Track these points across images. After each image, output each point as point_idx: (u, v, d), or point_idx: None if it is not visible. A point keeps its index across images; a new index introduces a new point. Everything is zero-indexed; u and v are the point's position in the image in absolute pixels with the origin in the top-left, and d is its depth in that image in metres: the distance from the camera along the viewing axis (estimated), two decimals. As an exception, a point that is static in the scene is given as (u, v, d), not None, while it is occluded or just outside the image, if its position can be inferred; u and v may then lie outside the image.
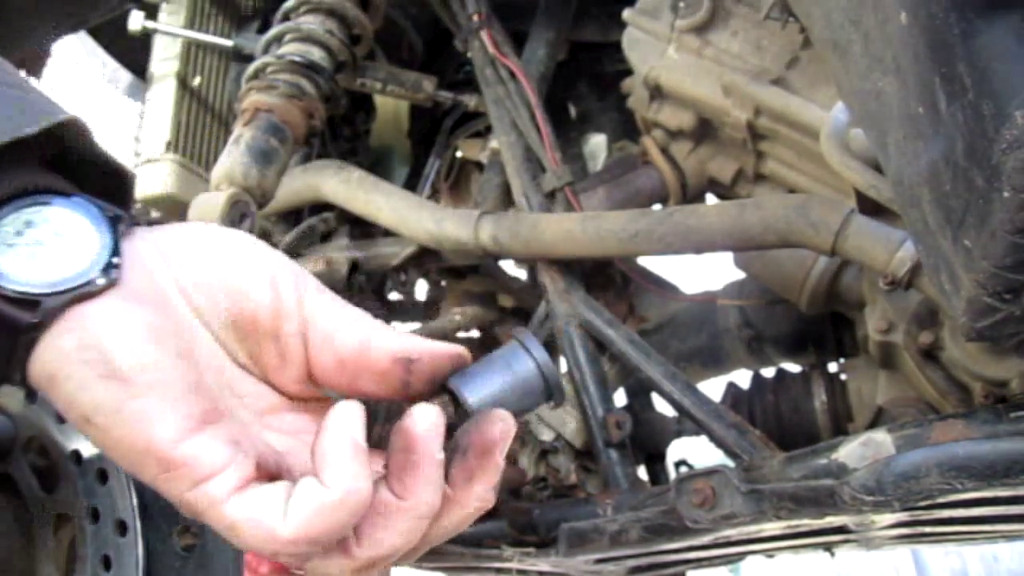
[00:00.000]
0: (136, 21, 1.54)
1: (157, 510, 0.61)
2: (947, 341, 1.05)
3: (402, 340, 0.48)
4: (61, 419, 0.64)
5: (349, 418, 0.43)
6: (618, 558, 1.17)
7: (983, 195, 0.45)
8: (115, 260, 0.43)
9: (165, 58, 1.54)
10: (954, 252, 0.52)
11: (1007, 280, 0.49)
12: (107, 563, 0.61)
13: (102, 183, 0.46)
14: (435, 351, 0.48)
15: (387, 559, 0.45)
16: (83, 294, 0.41)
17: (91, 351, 0.41)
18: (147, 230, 0.47)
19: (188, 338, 0.45)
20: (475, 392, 0.48)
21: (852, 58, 0.61)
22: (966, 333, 0.58)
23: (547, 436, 1.28)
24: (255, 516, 0.41)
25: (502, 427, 0.46)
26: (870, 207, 1.00)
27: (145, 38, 1.56)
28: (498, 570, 1.30)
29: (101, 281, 0.42)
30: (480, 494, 0.47)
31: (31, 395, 0.65)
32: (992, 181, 0.44)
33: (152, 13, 1.55)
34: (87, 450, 0.62)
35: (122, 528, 0.60)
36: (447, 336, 1.60)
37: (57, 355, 0.41)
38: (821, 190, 1.23)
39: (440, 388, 0.49)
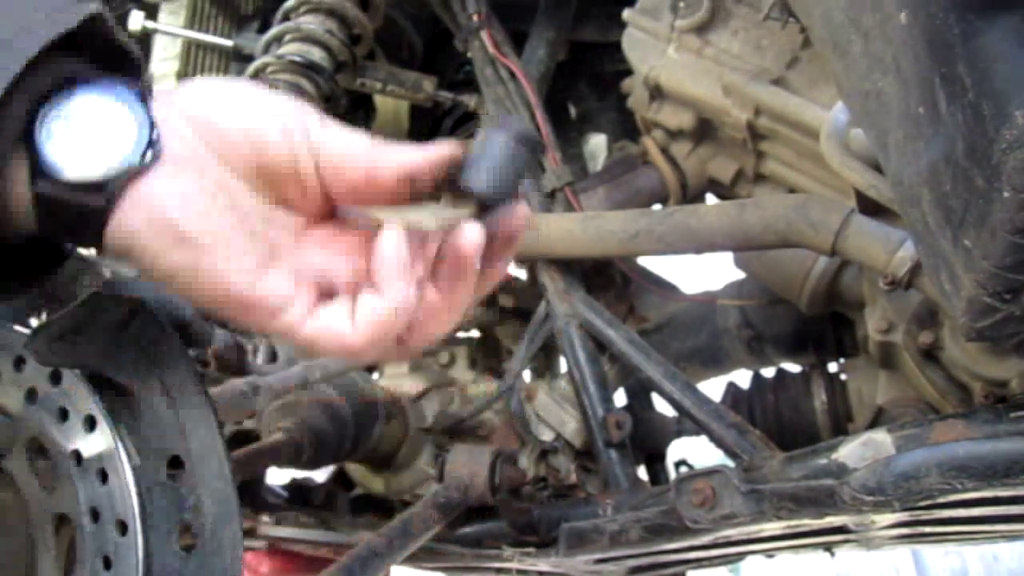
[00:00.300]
0: (136, 21, 1.54)
1: (157, 510, 0.61)
2: (947, 341, 1.05)
3: (403, 157, 0.53)
4: (61, 419, 0.64)
5: (395, 243, 0.51)
6: (618, 558, 1.17)
7: (983, 195, 0.45)
8: (154, 136, 0.48)
9: (165, 58, 1.54)
10: (954, 252, 0.52)
11: (1007, 280, 0.49)
12: (107, 563, 0.60)
13: (119, 61, 0.50)
14: (433, 160, 0.54)
15: (431, 342, 0.55)
16: (137, 171, 0.47)
17: (159, 223, 0.47)
18: (167, 95, 0.51)
19: (229, 190, 0.51)
20: (479, 179, 0.54)
21: (852, 58, 0.61)
22: (966, 333, 0.58)
23: (547, 436, 1.28)
24: (329, 331, 0.51)
25: (521, 213, 0.56)
26: (870, 207, 1.00)
27: (145, 38, 1.56)
28: (498, 570, 1.30)
29: (148, 157, 0.47)
30: (497, 272, 0.57)
31: (31, 395, 0.65)
32: (992, 181, 0.44)
33: (152, 13, 1.55)
34: (87, 450, 0.62)
35: (122, 528, 0.60)
36: (447, 336, 1.60)
37: (130, 231, 0.47)
38: (821, 190, 1.23)
39: (445, 184, 0.55)
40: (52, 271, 0.56)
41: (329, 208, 0.56)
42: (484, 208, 0.54)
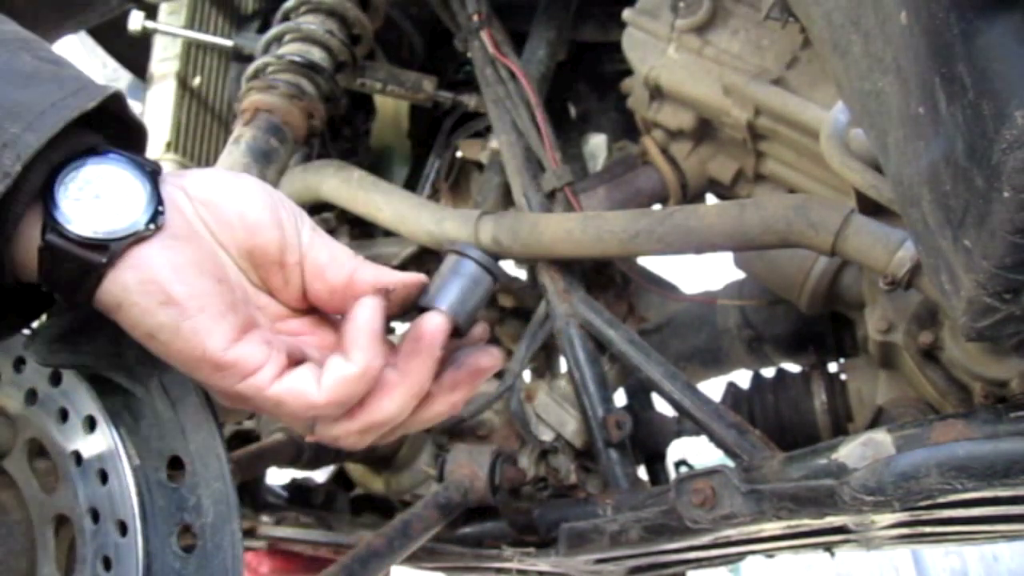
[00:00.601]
0: (136, 21, 1.54)
1: (157, 510, 0.61)
2: (947, 341, 1.05)
3: (380, 272, 0.59)
4: (61, 419, 0.64)
5: (371, 311, 0.56)
6: (618, 558, 1.17)
7: (983, 195, 0.45)
8: (160, 208, 0.53)
9: (165, 58, 1.54)
10: (954, 252, 0.52)
11: (1007, 280, 0.49)
12: (107, 563, 0.61)
13: (126, 137, 0.56)
14: (406, 280, 0.60)
15: (381, 425, 0.57)
16: (139, 238, 0.52)
17: (150, 284, 0.51)
18: (174, 176, 0.57)
19: (220, 265, 0.56)
20: (443, 302, 0.59)
21: (852, 58, 0.61)
22: (966, 333, 0.58)
23: (547, 436, 1.28)
24: (295, 391, 0.54)
25: (493, 361, 0.61)
26: (870, 207, 1.00)
27: (145, 38, 1.56)
28: (498, 570, 1.30)
29: (152, 227, 0.52)
30: (456, 401, 0.61)
31: (31, 396, 0.65)
32: (992, 181, 0.44)
33: (152, 13, 1.55)
34: (87, 450, 0.62)
35: (122, 528, 0.60)
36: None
37: (123, 288, 0.52)
38: (821, 190, 1.23)
39: (412, 308, 0.60)
40: (44, 310, 0.61)
41: (305, 306, 0.61)
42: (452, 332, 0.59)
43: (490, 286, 0.61)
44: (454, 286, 0.60)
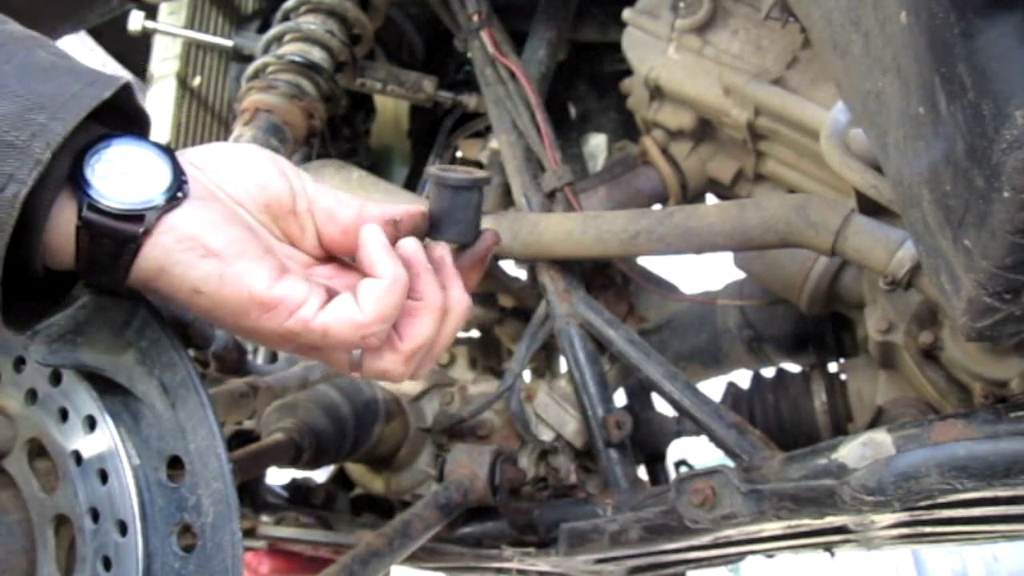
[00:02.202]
0: (136, 21, 1.54)
1: (157, 510, 0.61)
2: (947, 341, 1.05)
3: (385, 207, 0.63)
4: (61, 419, 0.64)
5: (375, 231, 0.60)
6: (618, 558, 1.17)
7: (983, 195, 0.45)
8: (183, 177, 0.57)
9: (165, 58, 1.54)
10: (954, 252, 0.52)
11: (1007, 280, 0.49)
12: (107, 563, 0.60)
13: (130, 126, 0.59)
14: (411, 211, 0.64)
15: (423, 348, 0.61)
16: (170, 205, 0.55)
17: (188, 241, 0.55)
18: (182, 153, 0.60)
19: (245, 219, 0.60)
20: (443, 231, 0.65)
21: (852, 58, 0.61)
22: (966, 333, 0.58)
23: (547, 436, 1.28)
24: (340, 316, 0.57)
25: (492, 238, 0.68)
26: (870, 207, 1.00)
27: (145, 38, 1.56)
28: (498, 570, 1.30)
29: (180, 195, 0.56)
30: (471, 284, 0.66)
31: (31, 396, 0.65)
32: (992, 181, 0.44)
33: (152, 13, 1.55)
34: (87, 450, 0.62)
35: (122, 528, 0.60)
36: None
37: (163, 251, 0.55)
38: (821, 190, 1.23)
39: (421, 238, 0.64)
40: (59, 303, 0.62)
41: (324, 254, 0.64)
42: (460, 249, 0.66)
43: (480, 195, 0.66)
44: (446, 212, 0.65)
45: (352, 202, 0.63)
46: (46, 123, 0.51)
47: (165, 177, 0.56)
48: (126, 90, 0.57)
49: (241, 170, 0.61)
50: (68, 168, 0.54)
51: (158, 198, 0.55)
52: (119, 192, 0.54)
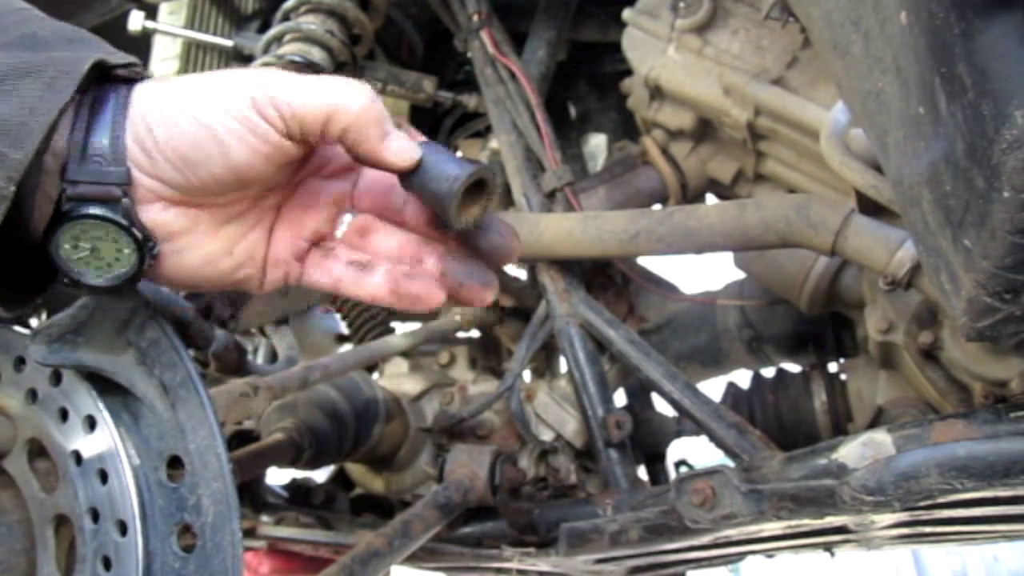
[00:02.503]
0: (136, 21, 1.54)
1: (157, 510, 0.61)
2: (947, 341, 1.05)
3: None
4: (61, 419, 0.64)
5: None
6: (618, 558, 1.17)
7: (983, 195, 0.45)
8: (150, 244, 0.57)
9: (165, 58, 1.54)
10: (954, 252, 0.52)
11: (1007, 280, 0.49)
12: (107, 563, 0.60)
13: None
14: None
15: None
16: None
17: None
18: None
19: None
20: (439, 189, 0.58)
21: (852, 58, 0.61)
22: (966, 333, 0.58)
23: (547, 436, 1.28)
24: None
25: (505, 239, 0.64)
26: (870, 207, 1.00)
27: (145, 38, 1.56)
28: (498, 570, 1.30)
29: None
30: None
31: (31, 395, 0.65)
32: (992, 181, 0.44)
33: (152, 13, 1.55)
34: (87, 450, 0.62)
35: (122, 528, 0.60)
36: (447, 336, 1.60)
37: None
38: (821, 190, 1.23)
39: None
40: (50, 284, 0.60)
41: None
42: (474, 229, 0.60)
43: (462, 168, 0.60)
44: (434, 170, 0.59)
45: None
46: (6, 152, 0.50)
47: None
48: (96, 67, 0.56)
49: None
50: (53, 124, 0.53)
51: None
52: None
